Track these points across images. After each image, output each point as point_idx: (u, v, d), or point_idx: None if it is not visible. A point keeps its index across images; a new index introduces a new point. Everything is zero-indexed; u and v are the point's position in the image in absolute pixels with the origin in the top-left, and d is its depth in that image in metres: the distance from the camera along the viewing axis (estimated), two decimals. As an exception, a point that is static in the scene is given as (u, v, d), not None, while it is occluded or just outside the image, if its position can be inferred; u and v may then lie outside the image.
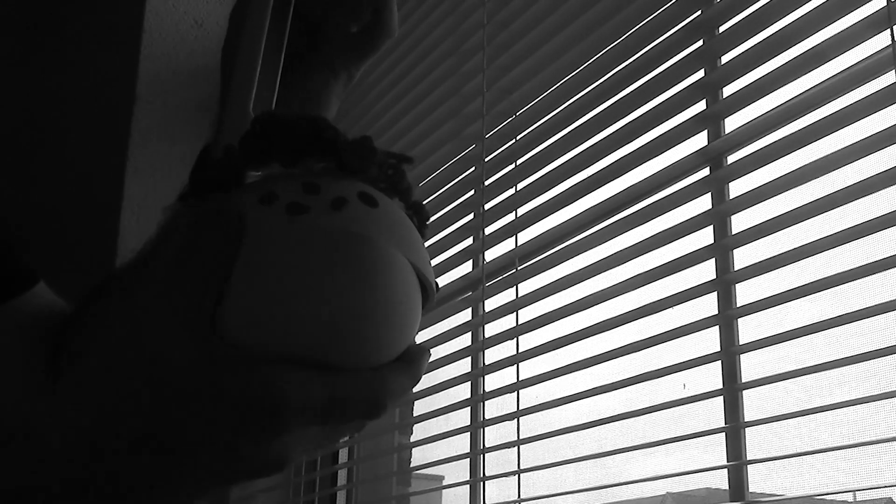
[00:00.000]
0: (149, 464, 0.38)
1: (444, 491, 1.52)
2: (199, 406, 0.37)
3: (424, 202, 1.57)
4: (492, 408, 1.26)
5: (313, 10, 0.59)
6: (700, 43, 1.07)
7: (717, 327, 1.00)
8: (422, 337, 1.46)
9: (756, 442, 0.97)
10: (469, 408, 1.33)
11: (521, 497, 1.18)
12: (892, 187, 0.83)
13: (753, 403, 0.97)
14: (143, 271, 0.42)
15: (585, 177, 1.17)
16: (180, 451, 0.38)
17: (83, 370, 0.40)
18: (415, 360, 0.42)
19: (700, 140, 1.06)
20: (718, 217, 1.02)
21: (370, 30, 0.59)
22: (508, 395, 1.23)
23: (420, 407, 1.49)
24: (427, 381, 1.42)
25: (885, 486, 0.85)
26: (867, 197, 0.86)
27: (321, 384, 0.38)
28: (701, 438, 0.97)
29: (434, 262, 1.42)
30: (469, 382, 1.33)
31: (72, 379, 0.40)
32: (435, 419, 1.39)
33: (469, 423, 1.33)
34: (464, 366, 1.35)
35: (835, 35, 0.89)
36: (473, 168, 1.41)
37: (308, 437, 0.40)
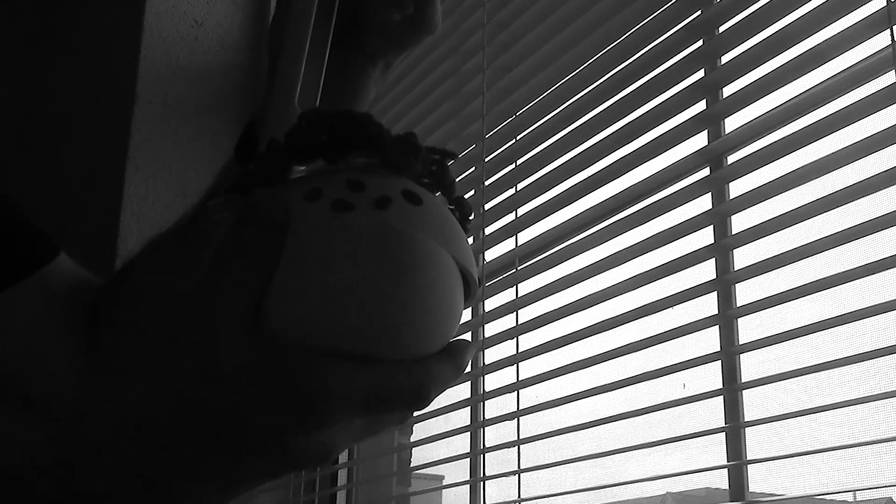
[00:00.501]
0: (190, 453, 0.38)
1: (444, 491, 1.52)
2: (242, 398, 0.37)
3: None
4: (492, 408, 1.26)
5: None
6: (700, 43, 1.07)
7: (717, 327, 1.00)
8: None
9: (756, 442, 0.97)
10: (469, 408, 1.33)
11: (521, 497, 1.18)
12: (892, 187, 0.83)
13: (753, 403, 0.97)
14: (187, 259, 0.41)
15: (585, 177, 1.17)
16: (223, 443, 0.38)
17: (127, 354, 0.40)
18: (458, 353, 0.42)
19: (700, 140, 1.06)
20: (718, 217, 1.02)
21: (412, 22, 0.59)
22: (508, 395, 1.23)
23: (420, 407, 1.49)
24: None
25: (885, 486, 0.85)
26: (867, 197, 0.86)
27: (365, 376, 0.38)
28: (701, 438, 0.97)
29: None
30: (469, 382, 1.33)
31: (116, 361, 0.40)
32: (435, 419, 1.39)
33: (469, 423, 1.33)
34: (464, 366, 1.35)
35: (835, 35, 0.89)
36: (473, 168, 1.41)
37: (352, 429, 0.40)
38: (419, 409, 0.40)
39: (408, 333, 0.39)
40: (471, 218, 0.43)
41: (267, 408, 0.37)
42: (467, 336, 1.37)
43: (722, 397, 0.98)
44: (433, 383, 0.40)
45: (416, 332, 0.40)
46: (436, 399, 0.41)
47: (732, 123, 1.04)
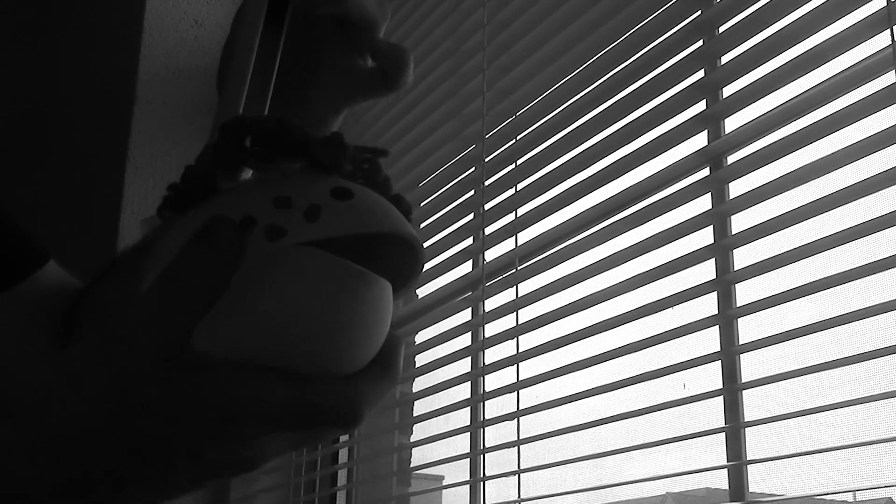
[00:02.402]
0: (120, 459, 0.39)
1: (444, 491, 1.52)
2: (163, 410, 0.38)
3: (423, 203, 1.56)
4: (492, 408, 1.26)
5: (314, 42, 0.60)
6: (700, 43, 1.07)
7: (717, 327, 1.00)
8: (422, 336, 1.47)
9: (756, 442, 0.97)
10: (469, 408, 1.33)
11: (521, 497, 1.18)
12: (892, 187, 0.83)
13: (753, 403, 0.97)
14: (133, 274, 0.43)
15: (585, 177, 1.17)
16: (147, 450, 0.39)
17: (73, 356, 0.41)
18: (390, 359, 0.42)
19: (700, 140, 1.06)
20: (718, 217, 1.02)
21: (384, 77, 0.60)
22: (508, 395, 1.23)
23: (420, 407, 1.49)
24: (427, 381, 1.42)
25: (885, 486, 0.85)
26: (867, 197, 0.86)
27: (287, 392, 0.39)
28: (701, 438, 0.97)
29: (434, 262, 1.42)
30: (469, 382, 1.33)
31: (67, 361, 0.41)
32: (435, 419, 1.39)
33: (469, 423, 1.33)
34: (464, 366, 1.35)
35: (835, 35, 0.89)
36: (473, 168, 1.41)
37: (281, 441, 0.41)
38: (353, 427, 0.40)
39: (334, 350, 0.40)
40: (410, 215, 0.43)
41: (183, 421, 0.38)
42: (467, 337, 1.37)
43: (722, 397, 0.98)
44: (364, 402, 0.40)
45: (341, 350, 0.40)
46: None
47: (732, 123, 1.04)
